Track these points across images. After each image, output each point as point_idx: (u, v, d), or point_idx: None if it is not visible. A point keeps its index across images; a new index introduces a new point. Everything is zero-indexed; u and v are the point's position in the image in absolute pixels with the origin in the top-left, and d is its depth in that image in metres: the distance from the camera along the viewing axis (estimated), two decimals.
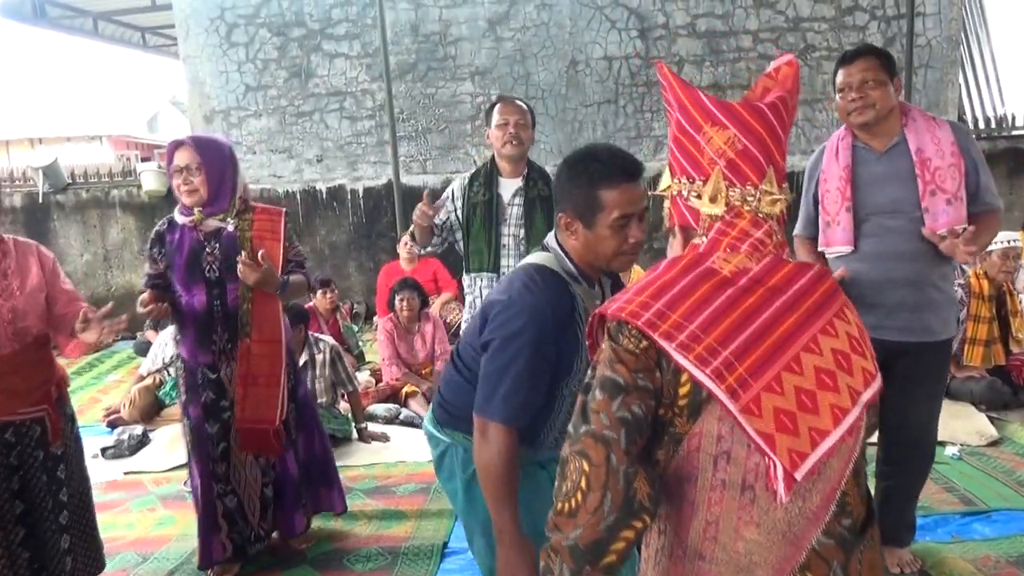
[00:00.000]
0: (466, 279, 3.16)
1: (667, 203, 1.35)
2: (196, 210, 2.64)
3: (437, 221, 3.10)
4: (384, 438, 4.43)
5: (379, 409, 4.74)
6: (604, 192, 1.67)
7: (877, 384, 1.20)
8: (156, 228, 2.79)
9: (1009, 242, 4.54)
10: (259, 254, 2.60)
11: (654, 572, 1.28)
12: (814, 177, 2.76)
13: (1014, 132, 7.64)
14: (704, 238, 1.25)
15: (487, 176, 3.09)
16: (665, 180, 1.34)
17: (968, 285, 4.50)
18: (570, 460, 1.18)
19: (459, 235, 3.13)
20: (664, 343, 1.15)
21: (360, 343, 6.06)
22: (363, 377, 5.24)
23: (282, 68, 7.38)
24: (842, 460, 1.17)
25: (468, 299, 3.19)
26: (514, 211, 3.07)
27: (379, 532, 3.23)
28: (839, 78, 2.56)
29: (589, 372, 1.26)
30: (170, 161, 2.68)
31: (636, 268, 4.68)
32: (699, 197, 1.26)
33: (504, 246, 3.05)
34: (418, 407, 4.77)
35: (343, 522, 3.31)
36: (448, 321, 5.97)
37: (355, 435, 4.42)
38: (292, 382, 2.92)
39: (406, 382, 4.95)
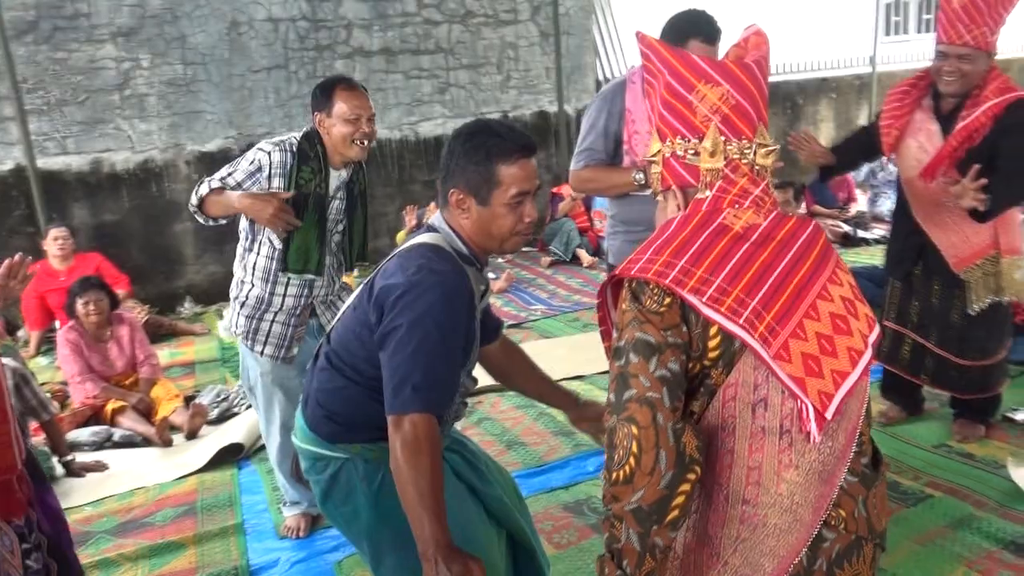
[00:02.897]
0: (280, 277, 2.64)
1: (656, 168, 1.39)
2: None
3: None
4: (100, 467, 3.72)
5: (83, 435, 3.95)
6: (502, 168, 1.60)
7: (878, 328, 1.32)
8: None
9: None
10: None
11: (690, 520, 1.28)
12: (614, 112, 2.76)
13: None
14: (708, 192, 1.30)
15: (321, 163, 2.58)
16: (654, 146, 1.37)
17: None
18: (617, 428, 1.18)
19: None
20: (693, 299, 1.18)
21: (24, 362, 4.96)
22: None
23: None
24: (859, 400, 1.26)
25: (276, 301, 2.66)
26: (335, 206, 2.68)
27: (158, 571, 2.72)
28: (698, 53, 2.63)
29: (615, 336, 1.26)
30: None
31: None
32: (697, 154, 1.30)
33: (327, 244, 2.68)
34: (132, 423, 4.07)
35: (101, 573, 2.71)
36: None
37: (60, 471, 3.64)
38: None
39: (108, 398, 4.18)
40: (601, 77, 8.55)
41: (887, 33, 11.66)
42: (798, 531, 1.19)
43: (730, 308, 1.17)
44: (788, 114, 9.31)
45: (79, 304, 4.24)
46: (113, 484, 3.54)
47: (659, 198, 1.42)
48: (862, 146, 3.19)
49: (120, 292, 5.80)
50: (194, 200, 2.62)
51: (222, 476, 3.48)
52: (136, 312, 5.65)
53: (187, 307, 6.51)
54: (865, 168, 8.29)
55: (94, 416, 4.15)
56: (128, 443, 3.97)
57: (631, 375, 1.18)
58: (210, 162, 6.52)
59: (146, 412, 4.18)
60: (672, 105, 1.32)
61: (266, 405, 2.79)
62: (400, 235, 6.54)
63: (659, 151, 1.36)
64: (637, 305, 1.22)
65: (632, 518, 1.16)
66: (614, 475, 1.17)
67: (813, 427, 1.16)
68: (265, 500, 3.22)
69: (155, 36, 6.28)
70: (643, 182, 2.65)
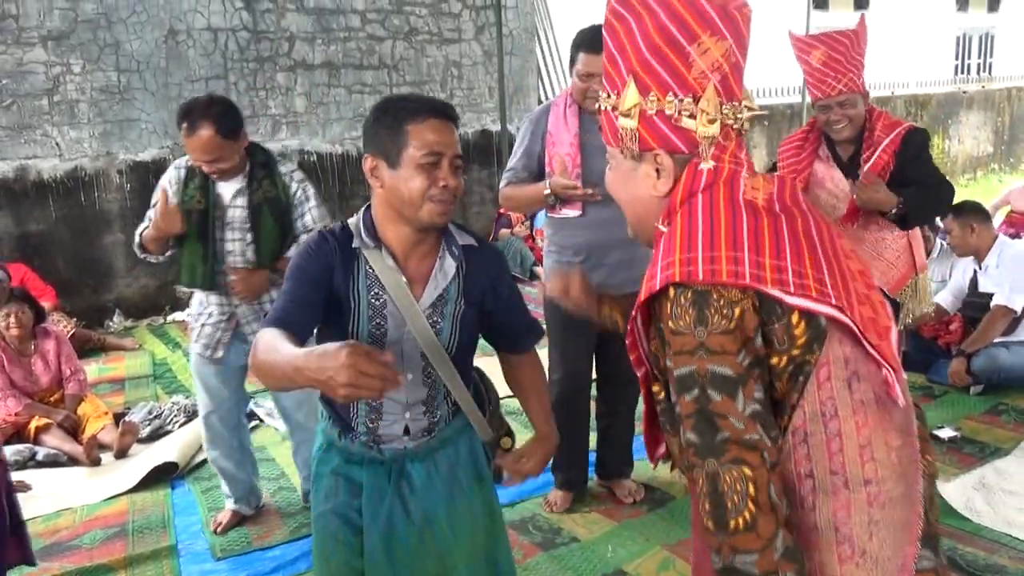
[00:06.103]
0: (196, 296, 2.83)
1: (629, 123, 1.16)
2: None
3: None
4: (23, 487, 3.54)
5: (5, 453, 3.74)
6: (411, 126, 1.54)
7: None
8: None
9: None
10: None
11: (804, 520, 1.16)
12: (538, 133, 2.82)
13: None
14: (710, 163, 1.14)
15: (203, 178, 2.65)
16: (632, 98, 1.14)
17: None
18: (722, 474, 1.05)
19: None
20: (779, 293, 1.05)
21: None
22: None
23: None
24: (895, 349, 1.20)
25: (205, 307, 2.81)
26: (236, 213, 2.69)
27: None
28: (581, 64, 2.64)
29: (673, 360, 1.09)
30: None
31: None
32: (693, 116, 1.12)
33: (230, 252, 2.70)
34: (58, 442, 3.90)
35: None
36: None
37: None
38: None
39: (32, 415, 4.00)
40: (543, 98, 8.66)
41: None
42: (913, 493, 1.16)
43: (818, 292, 1.06)
44: None
45: None
46: (37, 505, 3.38)
47: (624, 157, 1.20)
48: None
49: (45, 304, 5.59)
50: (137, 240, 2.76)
51: (154, 496, 3.36)
52: (62, 326, 5.44)
53: (116, 321, 6.29)
54: None
55: (16, 434, 3.97)
56: (53, 462, 3.81)
57: (718, 415, 1.06)
58: (144, 172, 6.35)
59: (72, 430, 4.02)
60: (664, 55, 1.11)
61: (197, 393, 3.01)
62: None
63: (636, 104, 1.14)
64: (702, 328, 1.05)
65: (787, 561, 1.05)
66: (732, 524, 1.05)
67: (898, 389, 1.12)
68: (200, 521, 3.13)
69: (88, 41, 6.09)
70: (552, 201, 2.73)
